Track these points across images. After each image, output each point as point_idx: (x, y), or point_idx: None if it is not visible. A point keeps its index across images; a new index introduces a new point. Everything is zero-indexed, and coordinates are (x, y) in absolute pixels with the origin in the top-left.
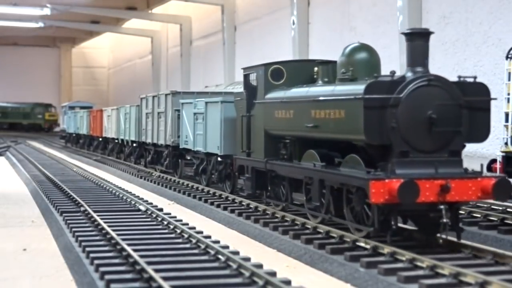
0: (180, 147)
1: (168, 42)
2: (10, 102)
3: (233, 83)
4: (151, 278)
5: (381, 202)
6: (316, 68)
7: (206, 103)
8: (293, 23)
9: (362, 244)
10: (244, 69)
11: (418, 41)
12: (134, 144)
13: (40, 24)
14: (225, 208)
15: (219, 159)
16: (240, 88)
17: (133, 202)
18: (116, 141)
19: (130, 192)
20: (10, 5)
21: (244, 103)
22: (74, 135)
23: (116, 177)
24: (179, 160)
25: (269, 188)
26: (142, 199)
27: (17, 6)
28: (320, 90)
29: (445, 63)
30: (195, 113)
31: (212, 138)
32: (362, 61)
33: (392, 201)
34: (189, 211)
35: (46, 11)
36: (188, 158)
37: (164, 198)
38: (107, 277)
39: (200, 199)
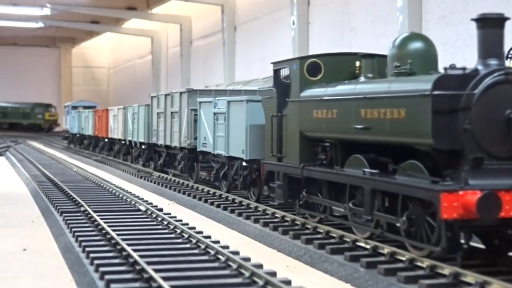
0: (198, 149)
1: (168, 42)
2: (10, 102)
3: (233, 83)
4: (151, 278)
5: (453, 217)
6: (358, 62)
7: (229, 102)
8: (293, 23)
9: (362, 244)
10: (274, 63)
11: (491, 28)
12: (143, 146)
13: (40, 24)
14: (225, 208)
15: (244, 164)
16: (240, 88)
17: (133, 202)
18: (123, 142)
19: (130, 192)
20: (10, 5)
21: (275, 101)
22: (78, 135)
23: (116, 177)
24: (195, 164)
25: (303, 197)
26: (142, 199)
27: (17, 6)
28: (372, 86)
29: (445, 63)
30: (215, 113)
31: (235, 141)
32: (420, 53)
33: (468, 217)
34: (189, 211)
35: (46, 11)
36: (201, 160)
37: (164, 198)
38: (107, 277)
39: (200, 199)
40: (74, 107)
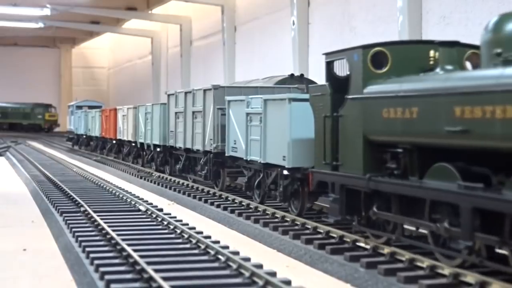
0: (226, 154)
1: (168, 42)
2: (10, 102)
3: (234, 83)
4: (151, 278)
5: None
6: (432, 52)
7: (266, 100)
8: (293, 23)
9: (362, 244)
10: (327, 54)
11: None
12: (158, 149)
13: (40, 25)
14: (225, 208)
15: (285, 172)
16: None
17: (133, 202)
18: (133, 144)
19: (130, 192)
20: (10, 5)
21: (328, 99)
22: (84, 136)
23: (116, 177)
24: (221, 170)
25: (363, 213)
26: (142, 199)
27: (17, 6)
28: (471, 79)
29: None
30: (248, 114)
31: (274, 146)
32: None
33: None
34: (189, 211)
35: (46, 11)
36: (228, 165)
37: (164, 198)
38: (107, 277)
39: (200, 199)
40: (79, 107)
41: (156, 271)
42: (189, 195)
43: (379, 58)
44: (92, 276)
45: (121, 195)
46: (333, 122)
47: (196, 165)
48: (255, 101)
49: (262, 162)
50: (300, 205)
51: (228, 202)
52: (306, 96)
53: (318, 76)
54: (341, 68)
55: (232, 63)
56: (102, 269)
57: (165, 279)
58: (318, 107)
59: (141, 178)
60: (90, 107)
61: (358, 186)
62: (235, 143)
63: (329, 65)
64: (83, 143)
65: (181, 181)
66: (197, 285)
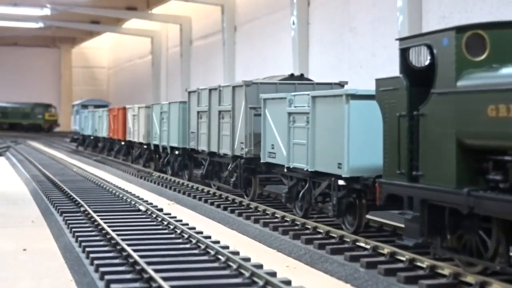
0: (262, 161)
1: (168, 42)
2: (10, 102)
3: (234, 83)
4: (151, 278)
5: None
6: None
7: (314, 98)
8: (293, 24)
9: (362, 244)
10: (401, 40)
11: None
12: (176, 152)
13: (40, 24)
14: (225, 208)
15: (340, 182)
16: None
17: (133, 202)
18: (145, 146)
19: (130, 192)
20: (10, 5)
21: (404, 95)
22: (92, 137)
23: (116, 177)
24: (252, 177)
25: (448, 236)
26: (142, 199)
27: (17, 6)
28: None
29: None
30: (290, 113)
31: (326, 151)
32: None
33: None
34: (189, 211)
35: (46, 11)
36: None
37: (164, 198)
38: (107, 277)
39: (200, 199)
40: (84, 106)
41: (156, 271)
42: (189, 195)
43: (475, 42)
44: (92, 276)
45: (121, 195)
46: (411, 123)
47: (222, 170)
48: (300, 99)
49: (309, 170)
50: (356, 221)
51: (228, 202)
52: (369, 91)
53: (318, 76)
54: (417, 57)
55: (232, 63)
56: (102, 269)
57: (165, 279)
58: (389, 104)
59: (141, 178)
60: (96, 106)
61: (448, 202)
62: (273, 148)
63: (404, 53)
64: (90, 144)
65: (181, 181)
66: (197, 285)
